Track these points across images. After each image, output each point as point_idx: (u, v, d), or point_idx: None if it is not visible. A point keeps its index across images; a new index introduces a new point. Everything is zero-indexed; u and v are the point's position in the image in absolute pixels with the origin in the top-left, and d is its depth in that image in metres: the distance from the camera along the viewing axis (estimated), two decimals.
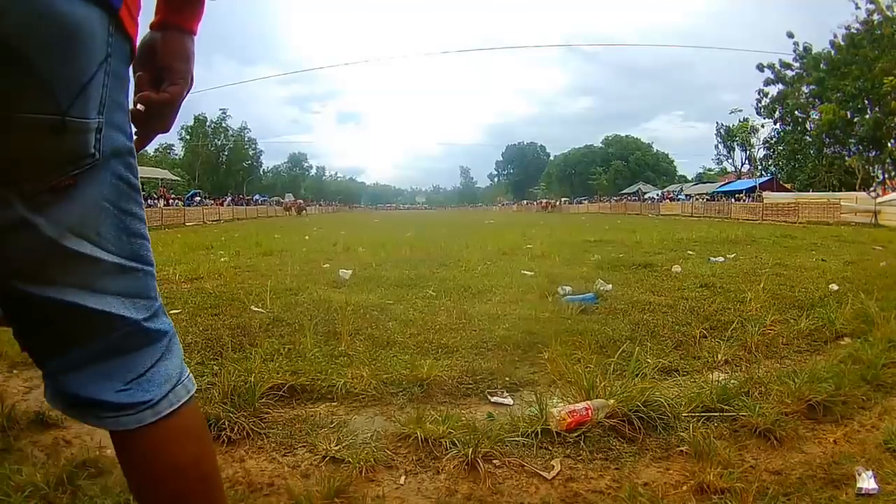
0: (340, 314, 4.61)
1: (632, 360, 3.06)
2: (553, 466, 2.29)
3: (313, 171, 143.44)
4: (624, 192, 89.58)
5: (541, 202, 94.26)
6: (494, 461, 2.32)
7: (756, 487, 2.08)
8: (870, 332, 4.08)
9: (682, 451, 2.40)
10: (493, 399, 3.03)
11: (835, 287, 6.21)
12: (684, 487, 2.13)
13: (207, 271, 7.99)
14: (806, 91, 55.31)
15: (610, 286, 6.29)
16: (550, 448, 2.44)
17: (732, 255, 10.04)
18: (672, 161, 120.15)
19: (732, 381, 3.09)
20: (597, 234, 17.19)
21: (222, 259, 10.09)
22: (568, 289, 6.06)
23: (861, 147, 49.78)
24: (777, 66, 57.47)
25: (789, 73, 56.56)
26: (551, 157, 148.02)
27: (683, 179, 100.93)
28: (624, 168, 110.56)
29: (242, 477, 2.20)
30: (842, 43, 49.31)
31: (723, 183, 70.28)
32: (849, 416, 2.76)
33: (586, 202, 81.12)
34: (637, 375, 2.90)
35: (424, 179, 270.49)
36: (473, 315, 4.96)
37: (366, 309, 5.14)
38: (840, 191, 41.26)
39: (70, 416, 1.13)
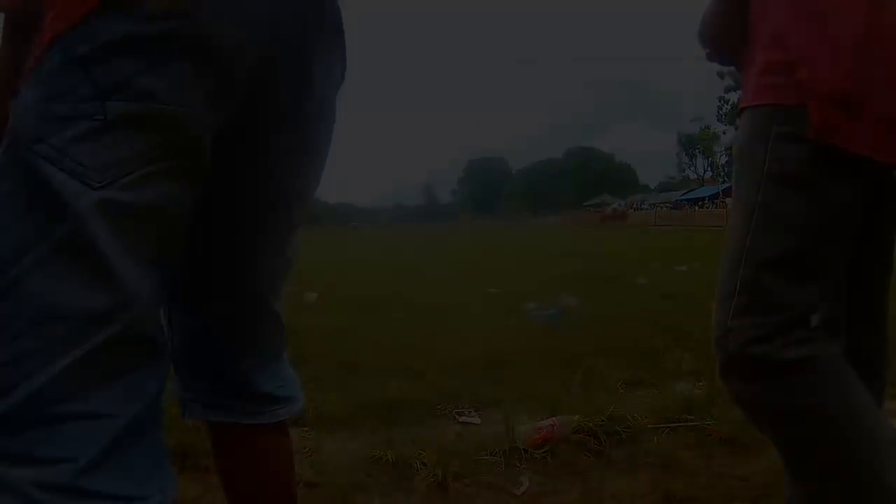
0: (308, 338, 4.59)
1: (596, 374, 3.10)
2: (522, 483, 2.31)
3: None
4: (587, 203, 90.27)
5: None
6: (465, 480, 2.32)
7: (722, 493, 2.13)
8: None
9: (648, 462, 2.43)
10: (461, 419, 3.04)
11: None
12: (651, 497, 2.17)
13: None
14: None
15: (575, 300, 6.34)
16: (519, 465, 2.45)
17: (697, 264, 10.18)
18: (634, 171, 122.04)
19: (697, 392, 3.14)
20: (562, 248, 17.32)
21: None
22: (533, 305, 6.11)
23: None
24: (737, 73, 58.87)
25: None
26: (513, 172, 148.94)
27: (646, 189, 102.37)
28: (587, 180, 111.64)
29: None
30: None
31: (686, 191, 71.31)
32: None
33: (551, 215, 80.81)
34: (602, 390, 2.94)
35: (388, 196, 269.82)
36: (439, 335, 4.97)
37: (333, 332, 5.13)
38: None
39: (230, 417, 1.32)
